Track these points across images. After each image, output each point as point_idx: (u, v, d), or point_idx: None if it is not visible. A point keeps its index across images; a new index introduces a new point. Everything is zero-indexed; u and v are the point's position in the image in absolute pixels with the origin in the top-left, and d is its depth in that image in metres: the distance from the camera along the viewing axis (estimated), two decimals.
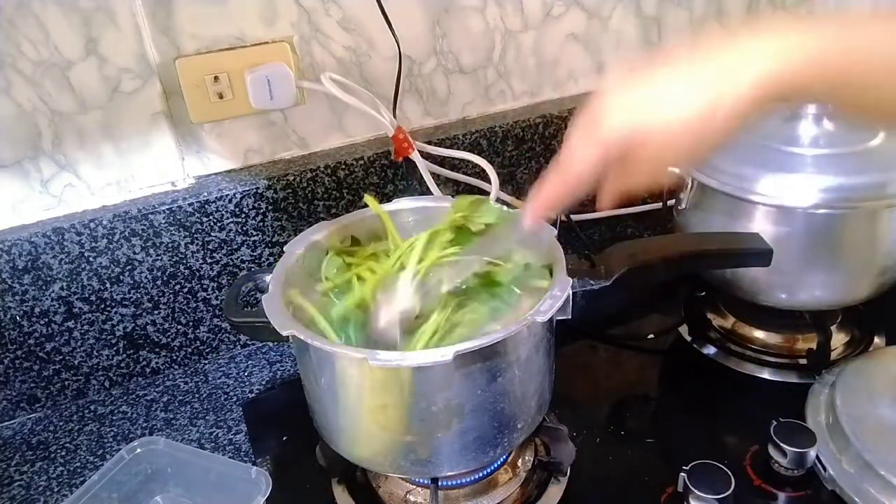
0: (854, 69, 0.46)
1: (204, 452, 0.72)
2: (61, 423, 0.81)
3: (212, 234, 0.84)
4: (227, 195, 0.83)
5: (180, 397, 0.84)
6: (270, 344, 0.91)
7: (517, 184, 1.02)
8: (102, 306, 0.81)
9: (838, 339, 0.84)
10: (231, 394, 0.84)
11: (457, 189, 0.96)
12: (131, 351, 0.85)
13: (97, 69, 0.76)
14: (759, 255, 0.62)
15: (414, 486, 0.67)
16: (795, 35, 0.45)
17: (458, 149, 0.94)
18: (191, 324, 0.87)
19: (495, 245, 0.68)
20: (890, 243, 0.74)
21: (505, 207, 0.67)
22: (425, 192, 0.90)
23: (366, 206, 0.70)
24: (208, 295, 0.87)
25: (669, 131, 0.46)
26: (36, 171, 0.77)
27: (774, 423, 0.67)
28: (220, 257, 0.86)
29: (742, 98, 0.45)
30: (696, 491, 0.61)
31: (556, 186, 0.51)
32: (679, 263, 0.61)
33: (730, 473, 0.63)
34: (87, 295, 0.80)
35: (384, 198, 0.82)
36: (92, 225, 0.78)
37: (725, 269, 0.79)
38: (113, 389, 0.86)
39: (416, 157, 0.88)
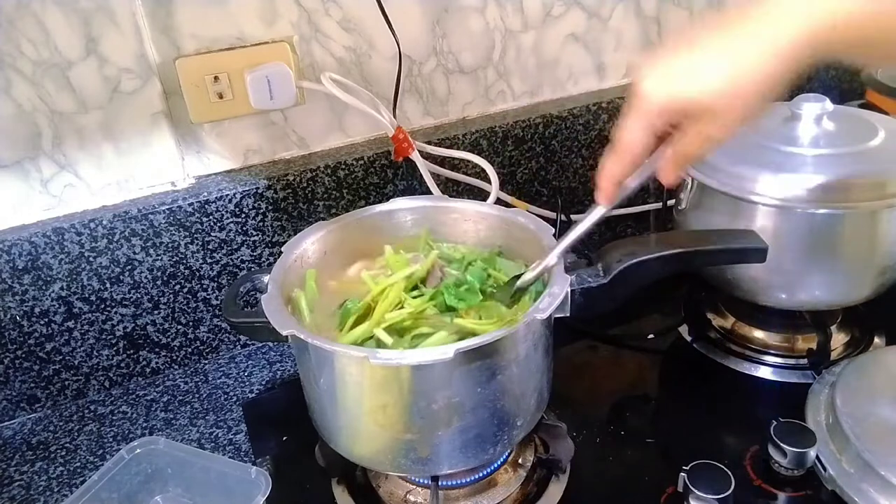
0: (884, 21, 0.47)
1: (204, 452, 0.72)
2: (61, 423, 0.81)
3: (212, 234, 0.84)
4: (227, 195, 0.83)
5: (180, 397, 0.84)
6: (270, 344, 0.91)
7: (517, 184, 1.02)
8: (102, 306, 0.81)
9: (838, 339, 0.84)
10: (231, 394, 0.84)
11: (457, 189, 0.96)
12: (131, 351, 0.85)
13: (97, 69, 0.76)
14: (755, 251, 0.62)
15: (414, 486, 0.67)
16: None
17: (458, 149, 0.94)
18: (191, 324, 0.87)
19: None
20: (890, 243, 0.74)
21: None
22: (425, 192, 0.90)
23: (365, 205, 0.70)
24: (208, 295, 0.87)
25: (706, 102, 0.48)
26: (36, 171, 0.77)
27: (774, 423, 0.67)
28: (220, 257, 0.86)
29: (778, 61, 0.47)
30: (696, 491, 0.61)
31: (615, 163, 0.53)
32: (675, 261, 0.61)
33: (730, 473, 0.63)
34: (87, 295, 0.80)
35: (384, 198, 0.83)
36: (92, 225, 0.78)
37: (725, 270, 0.79)
38: (113, 389, 0.86)
39: (416, 157, 0.88)
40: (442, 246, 0.72)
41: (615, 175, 0.54)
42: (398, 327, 0.60)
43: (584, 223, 0.58)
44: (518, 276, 0.62)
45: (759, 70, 0.47)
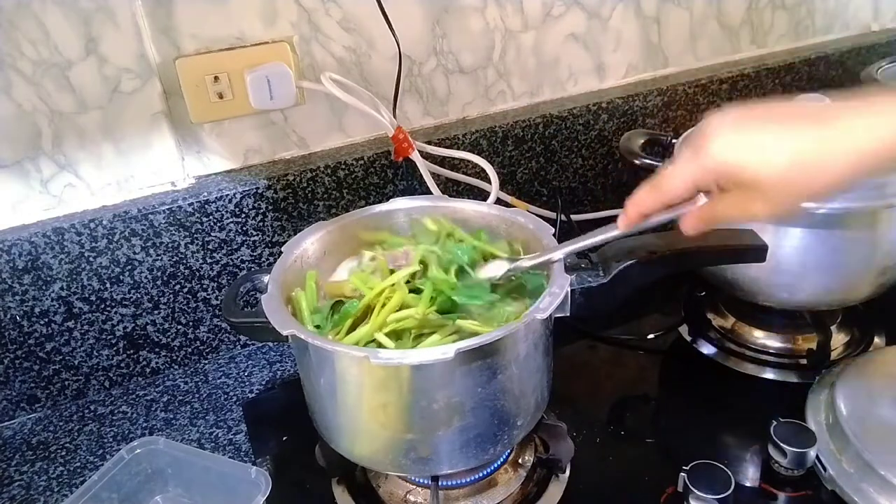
0: None
1: (204, 452, 0.72)
2: (61, 423, 0.81)
3: (212, 234, 0.84)
4: (227, 195, 0.83)
5: (180, 397, 0.84)
6: (270, 344, 0.91)
7: (517, 184, 1.02)
8: (102, 306, 0.81)
9: (838, 339, 0.84)
10: (231, 394, 0.84)
11: (457, 189, 0.96)
12: (131, 351, 0.85)
13: (97, 69, 0.76)
14: (755, 251, 0.63)
15: (414, 486, 0.67)
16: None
17: (458, 149, 0.94)
18: (191, 324, 0.87)
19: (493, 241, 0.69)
20: (890, 243, 0.74)
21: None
22: (425, 192, 0.90)
23: (365, 205, 0.70)
24: (208, 295, 0.87)
25: (762, 179, 0.48)
26: (36, 171, 0.77)
27: (774, 423, 0.67)
28: (220, 257, 0.86)
29: (844, 169, 0.47)
30: (696, 491, 0.61)
31: (650, 196, 0.54)
32: (675, 260, 0.62)
33: (730, 473, 0.63)
34: (87, 295, 0.80)
35: (384, 198, 0.83)
36: (92, 225, 0.78)
37: (725, 270, 0.79)
38: (113, 389, 0.86)
39: (416, 157, 0.88)
40: (421, 219, 0.72)
41: (645, 208, 0.55)
42: (399, 330, 0.60)
43: (598, 235, 0.59)
44: (513, 259, 0.62)
45: (823, 171, 0.47)
